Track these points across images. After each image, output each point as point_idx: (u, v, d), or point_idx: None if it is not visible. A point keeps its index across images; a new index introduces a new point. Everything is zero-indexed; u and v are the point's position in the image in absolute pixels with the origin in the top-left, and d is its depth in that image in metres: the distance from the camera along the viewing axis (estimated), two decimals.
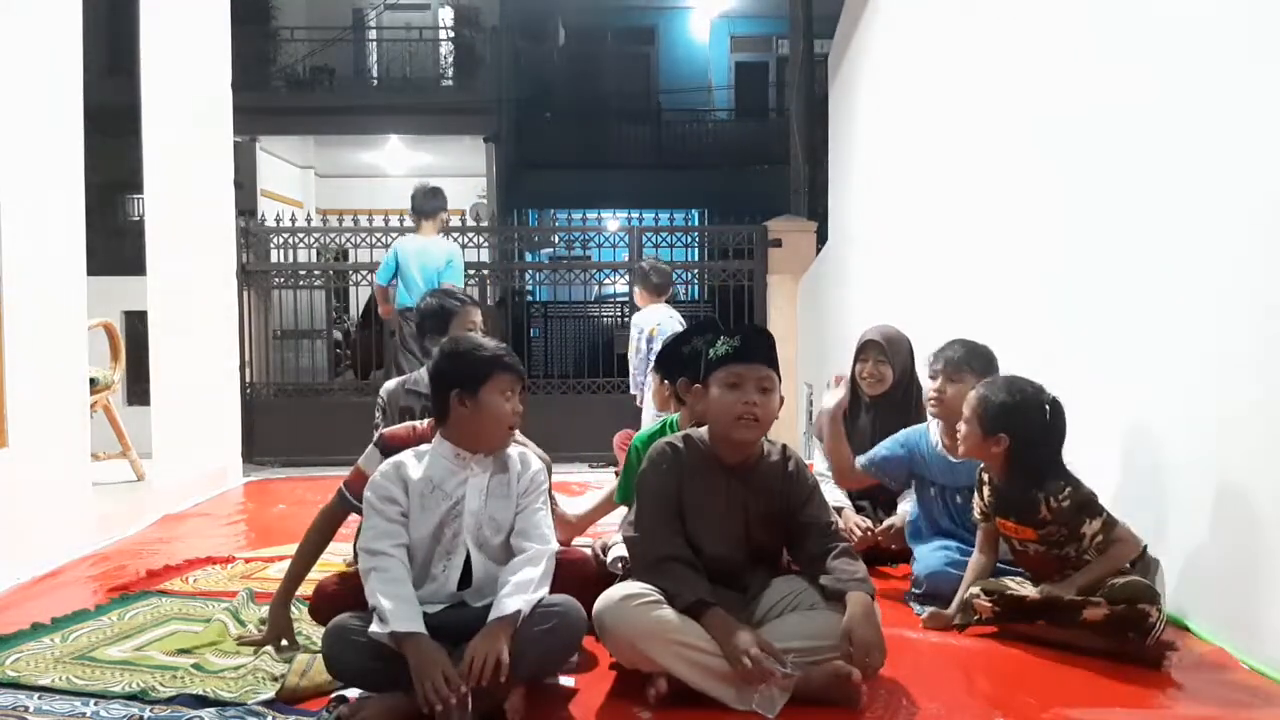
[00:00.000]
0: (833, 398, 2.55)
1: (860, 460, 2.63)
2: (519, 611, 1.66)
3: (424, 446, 1.90)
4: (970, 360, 2.45)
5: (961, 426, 2.17)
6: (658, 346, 4.82)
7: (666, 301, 5.10)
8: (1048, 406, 2.08)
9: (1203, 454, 2.12)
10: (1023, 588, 2.11)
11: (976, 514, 2.24)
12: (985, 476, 2.22)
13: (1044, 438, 2.08)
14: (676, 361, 2.52)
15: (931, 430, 2.58)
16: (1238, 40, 2.00)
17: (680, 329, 4.72)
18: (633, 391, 5.14)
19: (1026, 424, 2.07)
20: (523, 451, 1.94)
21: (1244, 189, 1.97)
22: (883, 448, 2.63)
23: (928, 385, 2.54)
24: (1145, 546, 2.22)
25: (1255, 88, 1.93)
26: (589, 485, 4.25)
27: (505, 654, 1.60)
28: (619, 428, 5.32)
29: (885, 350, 2.97)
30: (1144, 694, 1.82)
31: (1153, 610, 1.91)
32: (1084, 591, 2.00)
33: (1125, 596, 1.94)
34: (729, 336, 1.92)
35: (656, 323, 4.89)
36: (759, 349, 1.90)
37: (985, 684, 1.87)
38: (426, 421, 2.14)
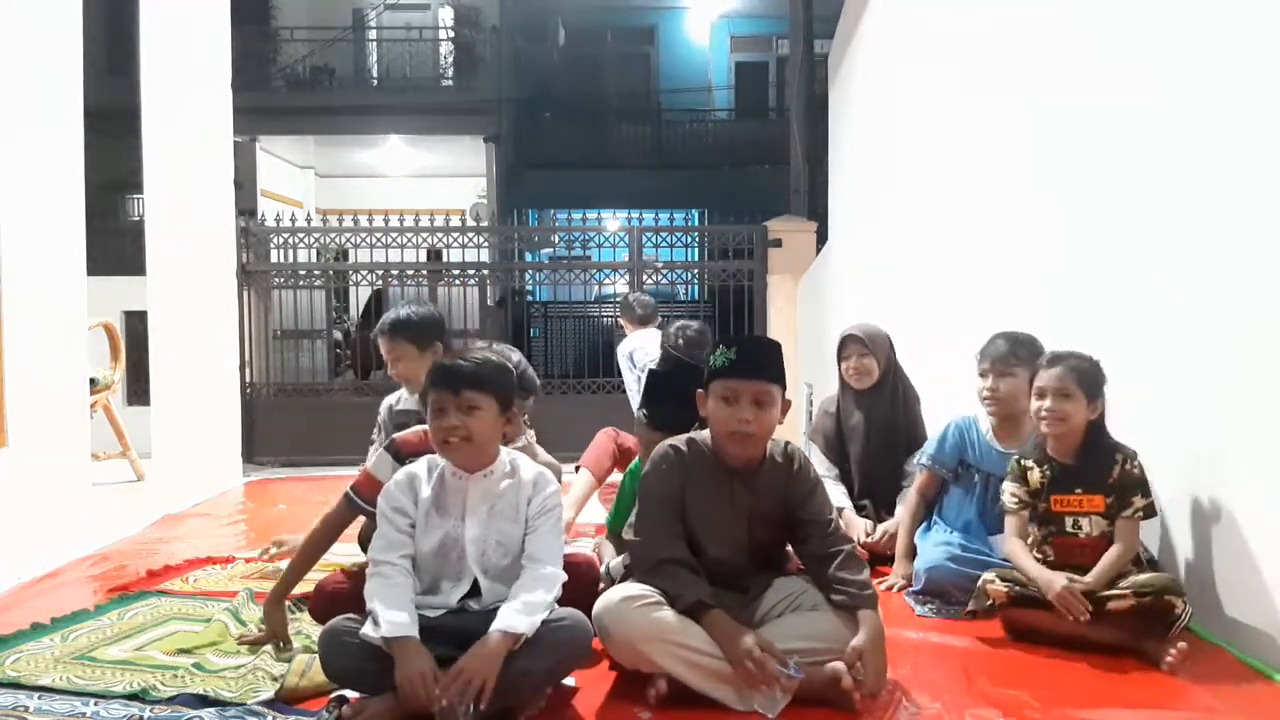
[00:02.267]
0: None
1: (922, 462, 2.64)
2: (522, 634, 1.64)
3: (436, 456, 1.86)
4: (1016, 352, 2.45)
5: (1063, 405, 2.12)
6: (639, 364, 4.90)
7: (655, 327, 5.19)
8: None
9: (1202, 453, 2.12)
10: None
11: (1012, 503, 2.21)
12: (1028, 463, 2.21)
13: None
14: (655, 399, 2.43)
15: (981, 421, 2.57)
16: (1235, 37, 2.00)
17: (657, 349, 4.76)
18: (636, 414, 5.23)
19: (1103, 385, 2.14)
20: (540, 471, 1.88)
21: (1241, 185, 1.97)
22: (932, 443, 2.64)
23: (976, 384, 2.51)
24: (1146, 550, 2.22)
25: (1253, 83, 1.93)
26: None
27: (493, 677, 1.58)
28: (619, 427, 5.34)
29: (866, 344, 2.99)
30: (1146, 693, 1.82)
31: (1179, 602, 1.93)
32: (1102, 585, 2.00)
33: (1153, 589, 1.95)
34: (728, 348, 1.89)
35: (635, 345, 4.99)
36: (756, 363, 1.87)
37: (986, 684, 1.87)
38: None
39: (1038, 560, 2.15)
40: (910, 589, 2.47)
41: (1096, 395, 2.12)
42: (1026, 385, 2.43)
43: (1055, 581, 2.03)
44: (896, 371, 3.04)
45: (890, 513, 2.90)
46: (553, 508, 1.84)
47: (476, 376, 1.79)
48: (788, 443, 2.01)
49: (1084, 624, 2.00)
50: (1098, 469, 2.12)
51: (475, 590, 1.79)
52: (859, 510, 2.98)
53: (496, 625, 1.64)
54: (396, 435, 2.18)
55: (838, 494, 2.95)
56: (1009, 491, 2.23)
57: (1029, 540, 2.19)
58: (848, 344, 3.02)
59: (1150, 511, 2.08)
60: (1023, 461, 2.24)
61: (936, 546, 2.45)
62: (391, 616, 1.64)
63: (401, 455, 2.09)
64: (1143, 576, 1.99)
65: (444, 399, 1.78)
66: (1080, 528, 2.14)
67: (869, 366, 2.98)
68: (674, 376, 2.45)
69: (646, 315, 5.16)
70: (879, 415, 2.99)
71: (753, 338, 1.96)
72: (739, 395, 1.85)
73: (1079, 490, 2.14)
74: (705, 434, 1.98)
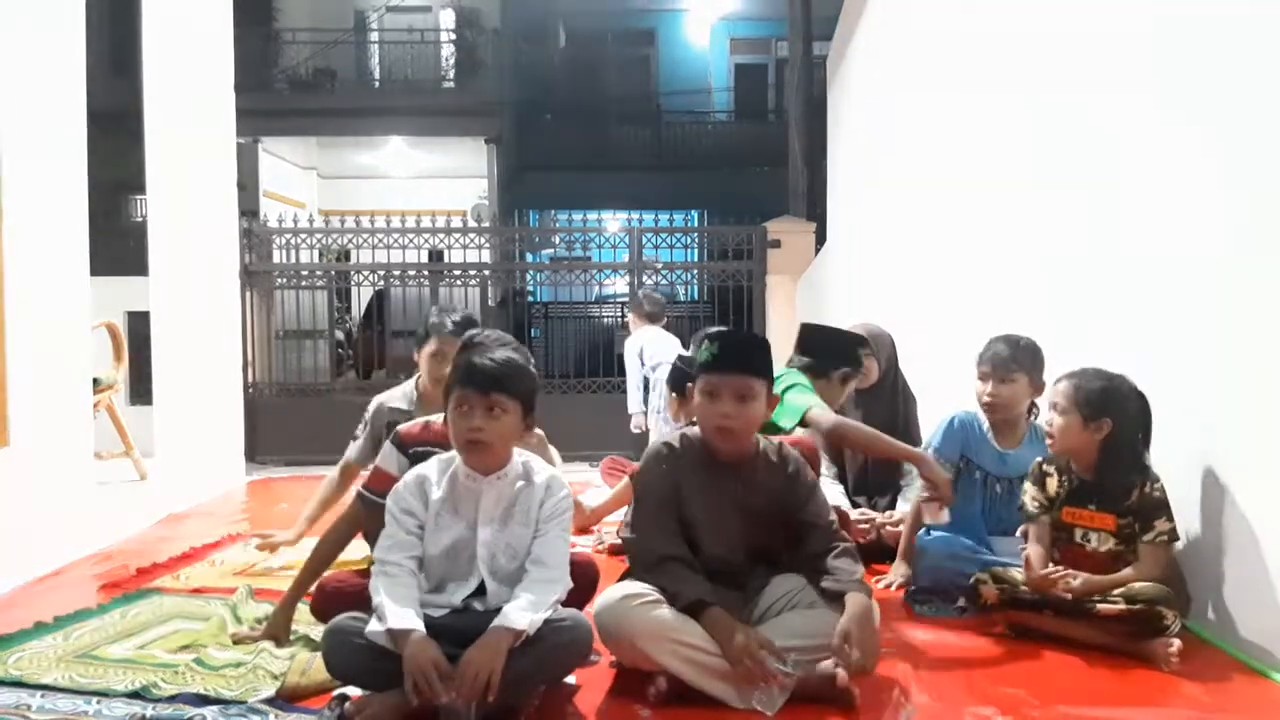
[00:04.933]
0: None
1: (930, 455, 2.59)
2: (524, 631, 1.63)
3: (448, 455, 1.86)
4: (1017, 357, 2.43)
5: (1055, 419, 2.14)
6: (649, 360, 4.96)
7: (662, 326, 5.22)
8: (1138, 393, 2.10)
9: (1201, 453, 2.12)
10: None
11: (1033, 508, 2.21)
12: (1050, 469, 2.21)
13: (1141, 422, 2.10)
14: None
15: (982, 416, 2.55)
16: (1232, 37, 2.01)
17: (671, 342, 4.88)
18: (630, 410, 5.19)
19: (1126, 408, 2.09)
20: (553, 475, 1.86)
21: (1241, 187, 1.98)
22: (936, 435, 2.60)
23: (976, 387, 2.50)
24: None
25: (1247, 87, 1.94)
26: (590, 484, 4.26)
27: (499, 670, 1.58)
28: (619, 427, 5.35)
29: (870, 345, 2.98)
30: (1144, 692, 1.83)
31: (1169, 614, 1.93)
32: (1097, 589, 2.01)
33: (1145, 598, 1.96)
34: (711, 343, 1.90)
35: (645, 340, 5.02)
36: (737, 358, 1.88)
37: (985, 683, 1.88)
38: (442, 418, 2.13)
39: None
40: (910, 588, 2.47)
41: (1098, 416, 2.09)
42: (1027, 390, 2.44)
43: (1035, 575, 2.06)
44: (896, 372, 3.05)
45: (890, 509, 2.90)
46: (563, 512, 1.83)
47: (505, 379, 1.76)
48: (782, 444, 2.02)
49: (1070, 628, 2.02)
50: (1115, 489, 2.10)
51: (480, 591, 1.79)
52: (854, 507, 2.98)
53: (499, 621, 1.64)
54: (400, 428, 2.18)
55: (835, 493, 2.95)
56: (1030, 495, 2.23)
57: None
58: None
59: (1174, 536, 2.07)
60: (1044, 466, 2.23)
61: (936, 545, 2.46)
62: (399, 611, 1.65)
63: (406, 447, 2.10)
64: (1139, 585, 2.00)
65: (470, 399, 1.75)
66: (1089, 540, 2.14)
67: (870, 367, 2.98)
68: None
69: (655, 312, 5.16)
70: (878, 414, 2.99)
71: (734, 332, 1.95)
72: (720, 390, 1.86)
73: (1092, 506, 2.14)
74: (698, 430, 1.99)
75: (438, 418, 2.14)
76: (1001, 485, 2.50)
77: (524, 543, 1.80)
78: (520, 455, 1.87)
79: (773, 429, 2.28)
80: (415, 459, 1.98)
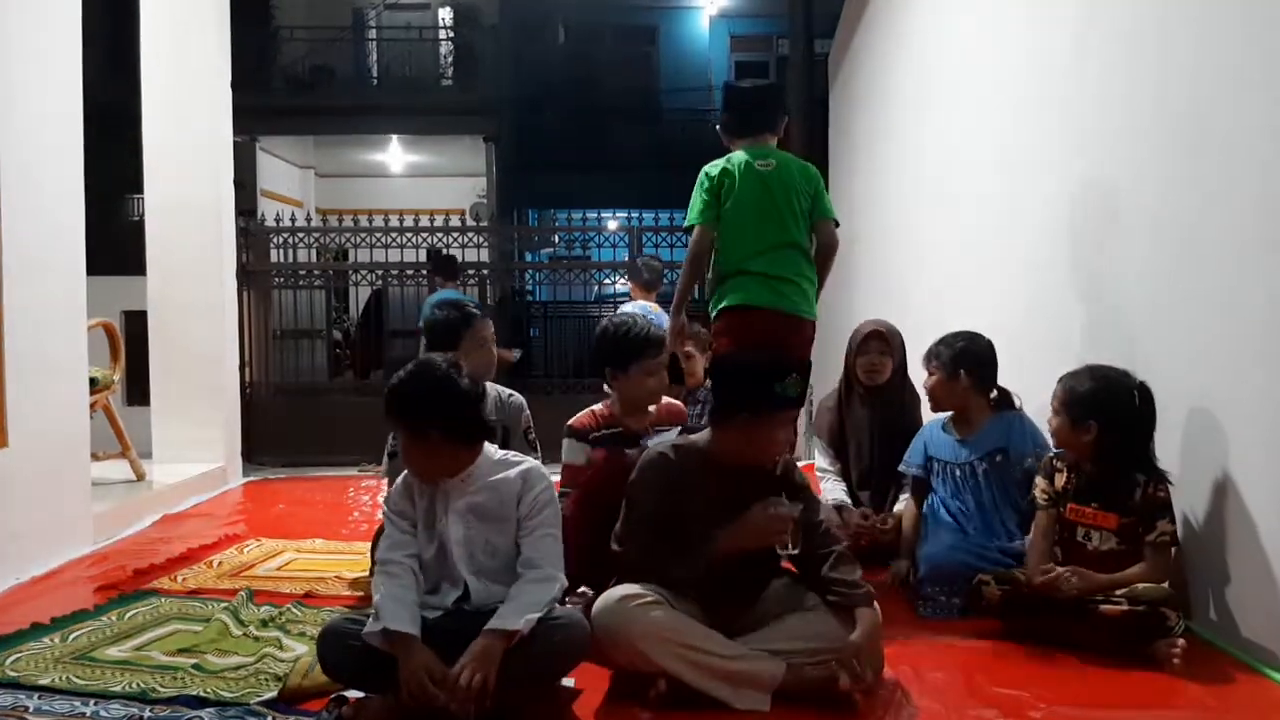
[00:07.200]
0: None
1: (901, 468, 2.72)
2: (517, 631, 1.63)
3: None
4: (938, 352, 2.56)
5: (1052, 420, 2.17)
6: None
7: (658, 297, 5.15)
8: (1136, 392, 2.08)
9: (1202, 454, 2.12)
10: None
11: (1042, 500, 2.21)
12: (1059, 464, 2.21)
13: (1134, 423, 2.07)
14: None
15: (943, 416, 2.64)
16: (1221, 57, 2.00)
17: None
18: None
19: (1114, 410, 2.07)
20: (529, 468, 1.83)
21: (1243, 185, 1.97)
22: (908, 451, 2.71)
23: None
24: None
25: (1243, 95, 1.94)
26: None
27: (494, 674, 1.58)
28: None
29: (888, 342, 2.96)
30: (1146, 694, 1.83)
31: (1172, 615, 1.93)
32: (1098, 587, 2.01)
33: (1149, 599, 1.95)
34: (798, 380, 1.87)
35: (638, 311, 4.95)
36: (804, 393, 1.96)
37: (985, 684, 1.88)
38: (603, 404, 2.33)
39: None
40: (914, 580, 2.46)
41: (1083, 419, 2.08)
42: (951, 382, 2.51)
43: (1036, 574, 2.07)
44: (905, 371, 3.04)
45: (892, 507, 2.90)
46: (545, 505, 1.79)
47: (421, 407, 1.74)
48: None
49: (1071, 630, 2.01)
50: (1118, 488, 2.10)
51: (466, 595, 1.78)
52: (857, 505, 2.97)
53: (492, 624, 1.64)
54: (570, 421, 2.33)
55: (838, 490, 2.95)
56: (1039, 487, 2.24)
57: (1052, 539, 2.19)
58: (869, 340, 2.95)
59: (1175, 538, 2.07)
60: (1055, 461, 2.23)
61: (939, 535, 2.46)
62: (396, 612, 1.64)
63: (577, 436, 2.27)
64: (1141, 586, 1.99)
65: (396, 425, 1.79)
66: (1090, 539, 2.14)
67: (885, 365, 2.94)
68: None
69: (652, 280, 5.03)
70: (885, 413, 2.97)
71: (801, 366, 1.92)
72: (790, 422, 1.95)
73: (1095, 505, 2.13)
74: (696, 437, 1.98)
75: (598, 405, 2.36)
76: (962, 470, 2.53)
77: (503, 539, 1.78)
78: (493, 452, 1.84)
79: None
80: (598, 443, 2.22)
